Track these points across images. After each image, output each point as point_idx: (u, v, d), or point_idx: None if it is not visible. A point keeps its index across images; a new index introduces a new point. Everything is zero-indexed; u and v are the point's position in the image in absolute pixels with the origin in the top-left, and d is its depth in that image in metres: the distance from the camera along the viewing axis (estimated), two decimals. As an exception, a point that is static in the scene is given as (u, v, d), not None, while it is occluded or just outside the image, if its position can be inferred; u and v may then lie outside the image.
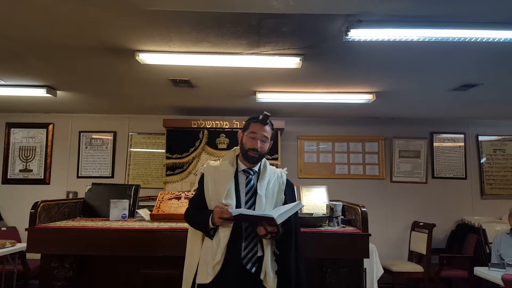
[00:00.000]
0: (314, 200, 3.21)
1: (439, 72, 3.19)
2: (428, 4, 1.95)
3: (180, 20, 2.27)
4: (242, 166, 1.84)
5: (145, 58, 2.83)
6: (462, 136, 5.17)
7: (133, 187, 3.37)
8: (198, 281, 1.75)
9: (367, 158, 5.13)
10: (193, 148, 4.49)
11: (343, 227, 2.66)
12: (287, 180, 1.92)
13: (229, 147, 4.40)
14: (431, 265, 4.35)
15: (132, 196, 3.30)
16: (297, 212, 1.79)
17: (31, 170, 5.15)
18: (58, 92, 4.05)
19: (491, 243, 3.98)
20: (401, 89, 3.72)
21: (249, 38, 2.50)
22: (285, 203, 1.83)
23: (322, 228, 2.61)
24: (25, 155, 5.18)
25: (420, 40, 2.23)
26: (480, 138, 5.16)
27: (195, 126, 4.48)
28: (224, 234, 1.71)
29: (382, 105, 4.30)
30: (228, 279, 1.68)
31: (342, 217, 2.79)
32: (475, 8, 1.99)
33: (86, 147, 5.16)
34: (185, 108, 4.72)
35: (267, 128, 1.84)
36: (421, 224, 4.68)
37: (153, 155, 5.09)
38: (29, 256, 4.15)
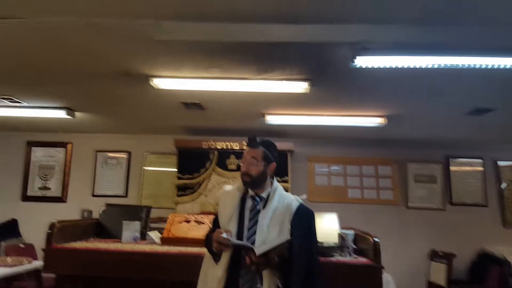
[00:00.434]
0: (325, 227, 3.14)
1: (451, 97, 3.15)
2: (433, 32, 1.97)
3: (192, 48, 2.36)
4: (251, 192, 1.83)
5: (158, 83, 2.94)
6: (480, 160, 5.01)
7: (145, 209, 3.42)
8: None
9: (380, 182, 5.02)
10: (204, 169, 4.52)
11: (355, 257, 2.54)
12: (298, 209, 1.76)
13: (238, 168, 4.41)
14: (451, 298, 4.17)
15: (144, 218, 3.36)
16: (310, 245, 1.71)
17: (49, 188, 5.28)
18: (77, 113, 4.21)
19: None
20: (413, 112, 3.69)
21: (257, 64, 2.57)
22: (291, 233, 1.69)
23: (333, 258, 2.51)
24: (44, 173, 5.33)
25: (427, 67, 2.23)
26: (499, 163, 5.00)
27: (206, 147, 4.52)
28: (223, 260, 1.70)
29: (394, 128, 4.25)
30: None
31: (354, 246, 2.70)
32: (479, 36, 1.99)
33: (102, 166, 5.28)
34: (196, 129, 4.79)
35: (257, 149, 1.82)
36: (440, 254, 4.49)
37: (165, 174, 5.14)
38: (44, 273, 4.22)
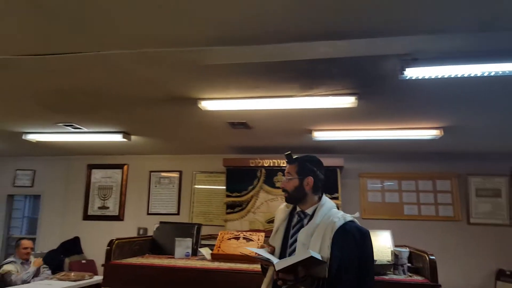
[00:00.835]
0: (378, 245, 3.02)
1: (510, 105, 2.92)
2: (486, 39, 1.85)
3: (237, 70, 2.42)
4: (298, 208, 1.83)
5: (206, 105, 3.04)
6: (550, 172, 4.57)
7: (196, 226, 3.55)
8: None
9: (439, 197, 4.72)
10: (252, 186, 4.55)
11: (409, 276, 2.46)
12: (341, 227, 1.67)
13: (286, 186, 4.39)
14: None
15: (194, 235, 3.46)
16: (358, 265, 1.61)
17: (108, 207, 5.61)
18: (132, 137, 4.46)
19: None
20: (472, 123, 3.45)
21: (301, 81, 2.57)
22: (331, 252, 1.62)
23: (386, 277, 2.45)
24: (103, 193, 5.67)
25: (482, 75, 2.10)
26: None
27: (253, 165, 4.55)
28: (267, 275, 1.74)
29: (452, 140, 3.99)
30: None
31: (409, 264, 2.59)
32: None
33: (155, 186, 5.51)
34: (243, 148, 4.85)
35: (291, 165, 1.84)
36: (507, 273, 4.11)
37: (215, 192, 5.25)
38: (104, 288, 4.46)
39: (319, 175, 1.83)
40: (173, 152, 5.37)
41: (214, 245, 3.30)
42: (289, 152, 1.89)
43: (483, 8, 1.60)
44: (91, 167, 5.76)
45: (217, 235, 3.35)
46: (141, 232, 5.36)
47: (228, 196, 4.61)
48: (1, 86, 2.84)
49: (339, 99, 2.79)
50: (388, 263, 2.57)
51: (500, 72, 2.06)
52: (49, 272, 4.36)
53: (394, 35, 1.85)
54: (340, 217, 1.71)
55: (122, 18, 1.79)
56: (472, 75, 2.12)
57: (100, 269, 5.19)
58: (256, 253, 1.69)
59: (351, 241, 1.64)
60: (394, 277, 2.45)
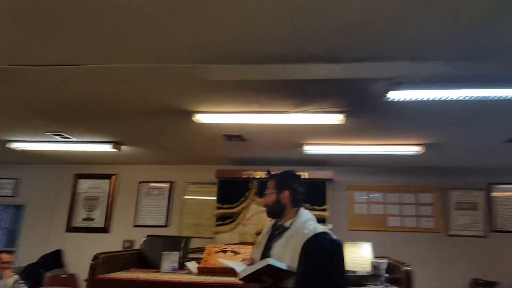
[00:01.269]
0: (358, 256, 3.15)
1: (489, 125, 3.14)
2: (464, 67, 2.04)
3: (233, 87, 2.54)
4: (279, 222, 1.91)
5: (201, 118, 3.13)
6: (524, 186, 4.84)
7: (184, 240, 3.53)
8: None
9: (421, 210, 4.93)
10: (243, 198, 4.61)
11: (387, 286, 2.57)
12: (310, 239, 1.71)
13: (277, 198, 4.47)
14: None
15: (183, 248, 3.46)
16: (323, 276, 1.66)
17: (93, 219, 5.44)
18: (123, 147, 4.44)
19: None
20: (451, 141, 3.68)
21: (295, 99, 2.71)
22: (299, 262, 1.68)
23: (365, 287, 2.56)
24: (89, 204, 5.51)
25: (460, 99, 2.29)
26: (544, 188, 4.80)
27: (246, 176, 4.60)
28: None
29: (433, 156, 4.22)
30: None
31: (387, 275, 2.71)
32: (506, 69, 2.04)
33: (144, 197, 5.42)
34: (236, 159, 4.91)
35: (271, 181, 1.94)
36: (481, 282, 4.32)
37: (206, 203, 5.21)
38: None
39: (296, 189, 1.89)
40: (164, 163, 5.33)
41: (202, 258, 3.33)
42: (268, 169, 2.04)
43: (461, 40, 1.78)
44: (78, 176, 5.61)
45: (205, 248, 3.38)
46: (126, 245, 5.22)
47: (219, 207, 4.63)
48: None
49: (328, 116, 2.94)
50: (367, 273, 2.68)
51: (474, 97, 2.25)
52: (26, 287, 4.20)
53: (381, 61, 2.03)
54: (312, 229, 1.75)
55: (123, 35, 1.87)
56: (449, 98, 2.30)
57: (83, 284, 5.09)
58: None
59: (320, 252, 1.68)
60: (373, 287, 2.56)
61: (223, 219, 4.60)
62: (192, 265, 3.22)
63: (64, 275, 5.04)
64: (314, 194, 4.34)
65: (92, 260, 2.85)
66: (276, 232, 1.88)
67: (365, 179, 5.07)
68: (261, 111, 2.99)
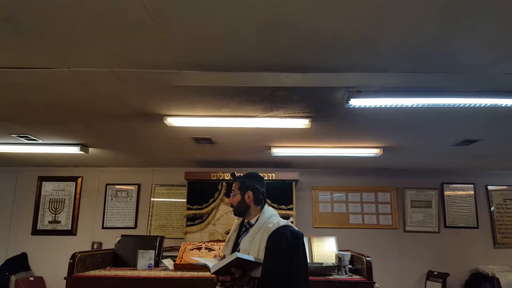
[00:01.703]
0: (325, 249, 3.38)
1: (440, 130, 3.44)
2: (421, 79, 2.27)
3: (204, 92, 2.64)
4: (245, 220, 2.08)
5: (172, 121, 3.19)
6: (472, 186, 5.30)
7: (158, 239, 3.63)
8: None
9: (380, 208, 5.26)
10: (212, 199, 4.70)
11: (350, 275, 2.81)
12: (273, 232, 1.87)
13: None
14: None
15: (157, 247, 3.55)
16: (287, 265, 1.80)
17: (59, 222, 5.40)
18: (90, 149, 4.40)
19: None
20: (406, 144, 3.97)
21: (263, 104, 2.86)
22: (265, 253, 1.83)
23: (331, 277, 2.79)
24: (54, 207, 5.46)
25: (414, 106, 2.54)
26: (490, 187, 5.28)
27: (215, 178, 4.70)
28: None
29: (391, 158, 4.53)
30: None
31: (350, 266, 2.95)
32: (462, 80, 2.30)
33: (112, 199, 5.44)
34: (205, 162, 4.99)
35: (235, 183, 2.11)
36: (435, 273, 4.70)
37: (174, 205, 5.32)
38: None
39: (259, 189, 2.06)
40: (132, 165, 5.35)
41: (175, 256, 3.44)
42: (233, 172, 2.23)
43: (416, 54, 2.00)
44: (42, 179, 5.53)
45: (178, 247, 3.49)
46: (95, 246, 5.25)
47: (188, 208, 4.71)
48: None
49: (295, 121, 3.12)
50: (333, 265, 2.91)
51: (426, 104, 2.51)
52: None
53: (342, 72, 2.22)
54: (275, 223, 1.91)
55: (95, 39, 1.89)
56: (404, 105, 2.55)
57: (50, 286, 5.04)
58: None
59: (283, 243, 1.84)
60: (338, 277, 2.80)
61: (193, 220, 4.67)
62: (168, 262, 3.33)
63: (31, 278, 4.99)
64: (281, 194, 4.54)
65: (70, 259, 2.95)
66: (244, 229, 2.05)
67: (328, 179, 5.36)
68: (232, 115, 3.10)
